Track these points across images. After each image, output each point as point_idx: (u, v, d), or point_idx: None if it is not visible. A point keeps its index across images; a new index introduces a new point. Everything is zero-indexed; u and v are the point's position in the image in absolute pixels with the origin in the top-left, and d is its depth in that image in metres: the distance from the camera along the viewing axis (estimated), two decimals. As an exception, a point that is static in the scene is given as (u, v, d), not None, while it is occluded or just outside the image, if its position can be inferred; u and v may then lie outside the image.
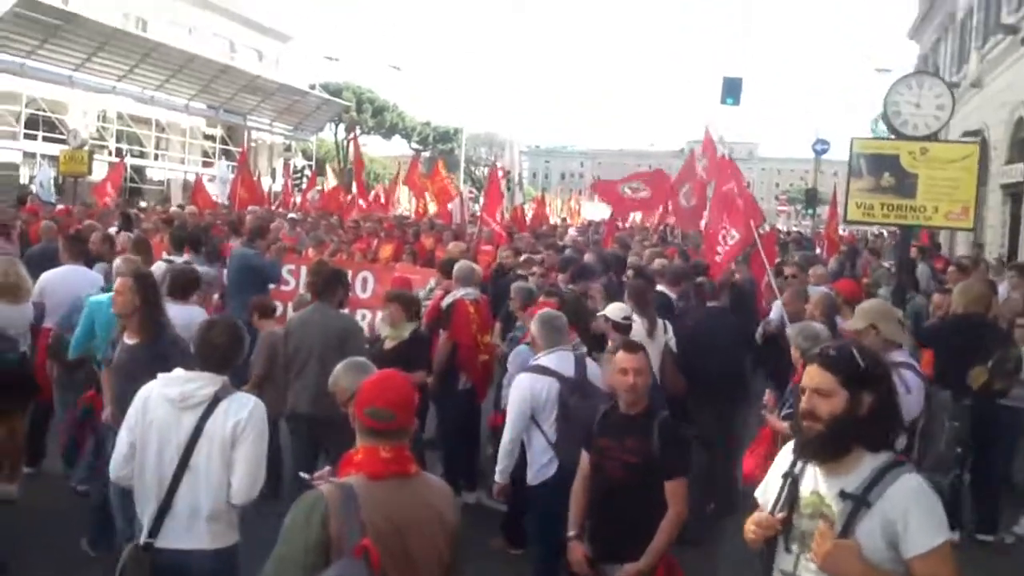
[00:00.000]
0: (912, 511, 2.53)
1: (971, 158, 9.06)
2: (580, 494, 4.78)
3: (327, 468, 3.36)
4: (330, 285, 6.82)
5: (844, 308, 7.53)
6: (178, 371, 4.16)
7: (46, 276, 7.68)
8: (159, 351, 5.33)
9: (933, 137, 9.39)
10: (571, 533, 4.71)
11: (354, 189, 24.57)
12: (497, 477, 5.65)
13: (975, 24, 25.67)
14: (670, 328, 7.47)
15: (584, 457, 4.77)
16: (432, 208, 21.95)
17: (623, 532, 4.53)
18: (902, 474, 2.62)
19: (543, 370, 5.48)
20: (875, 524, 2.58)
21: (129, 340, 5.57)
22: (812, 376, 2.81)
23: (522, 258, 10.97)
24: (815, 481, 2.82)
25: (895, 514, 2.54)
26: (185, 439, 3.95)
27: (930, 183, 8.97)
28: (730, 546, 6.56)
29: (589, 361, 5.72)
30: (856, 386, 2.74)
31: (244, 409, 4.01)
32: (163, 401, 4.03)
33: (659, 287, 8.79)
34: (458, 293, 7.79)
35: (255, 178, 25.62)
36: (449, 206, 20.69)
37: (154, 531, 3.96)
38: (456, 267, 8.24)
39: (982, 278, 10.08)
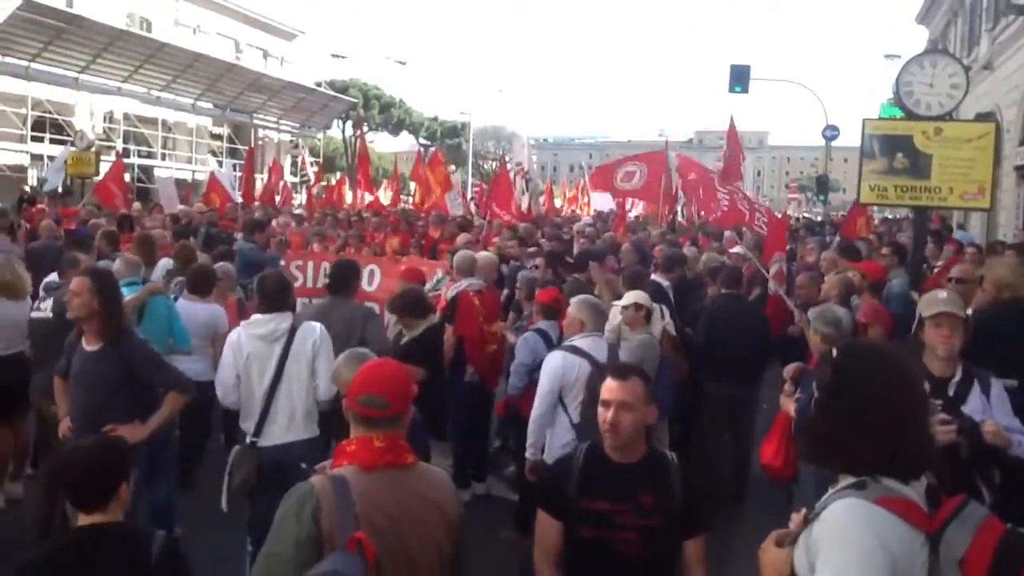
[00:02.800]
0: (825, 537, 2.22)
1: (987, 137, 8.87)
2: None
3: (329, 461, 3.24)
4: (344, 278, 6.71)
5: (867, 291, 7.37)
6: (256, 316, 5.42)
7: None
8: (123, 358, 4.99)
9: (947, 117, 9.21)
10: None
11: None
12: (528, 454, 5.67)
13: (985, 6, 25.40)
14: (667, 313, 7.41)
15: (550, 526, 3.49)
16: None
17: None
18: (841, 498, 2.26)
19: (576, 351, 5.56)
20: (806, 542, 2.30)
21: (89, 347, 5.07)
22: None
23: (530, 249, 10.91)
24: None
25: (818, 536, 2.25)
26: (277, 362, 5.22)
27: (945, 163, 8.79)
28: (744, 536, 6.45)
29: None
30: (825, 395, 2.39)
31: (316, 331, 5.41)
32: (253, 339, 5.29)
33: (653, 276, 8.71)
34: (462, 284, 7.70)
35: (264, 175, 25.66)
36: (446, 197, 20.57)
37: (257, 434, 5.16)
38: (456, 258, 8.16)
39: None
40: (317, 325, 5.51)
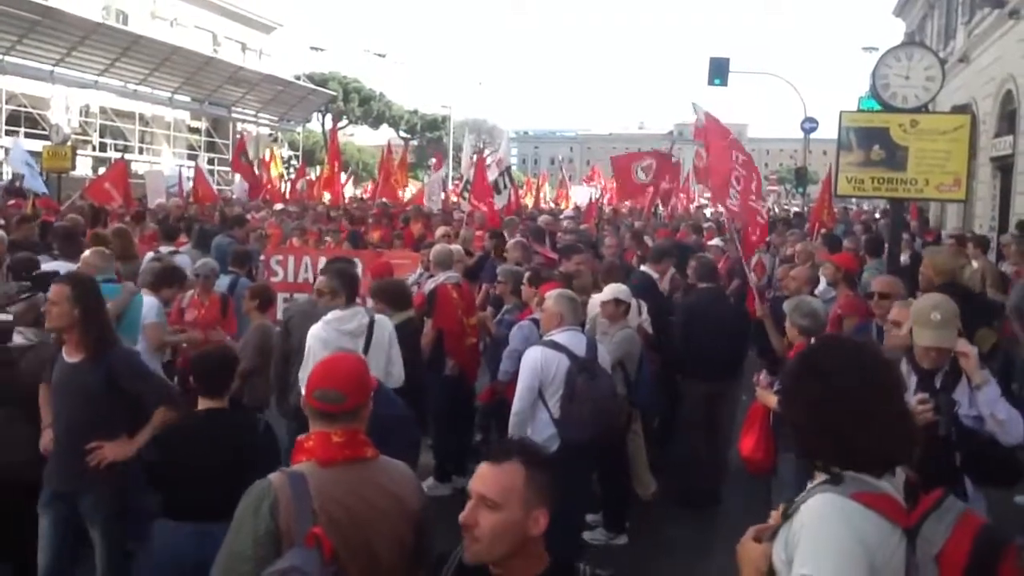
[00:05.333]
0: (802, 533, 2.20)
1: (962, 129, 8.95)
2: None
3: None
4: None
5: (843, 283, 7.39)
6: (339, 312, 5.54)
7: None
8: (106, 371, 4.60)
9: (923, 109, 9.28)
10: None
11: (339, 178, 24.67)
12: None
13: (961, -1, 25.60)
14: (644, 308, 7.40)
15: None
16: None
17: None
18: (818, 493, 2.25)
19: (555, 345, 5.55)
20: (785, 537, 2.28)
21: (70, 358, 4.67)
22: None
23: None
24: None
25: (796, 531, 2.23)
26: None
27: (921, 155, 8.86)
28: (722, 529, 6.48)
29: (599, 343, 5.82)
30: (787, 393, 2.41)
31: (388, 324, 5.81)
32: (342, 335, 5.44)
33: (642, 268, 8.72)
34: (439, 278, 7.68)
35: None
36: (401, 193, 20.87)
37: None
38: (433, 252, 8.15)
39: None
40: (386, 319, 5.93)
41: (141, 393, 4.75)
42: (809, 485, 2.35)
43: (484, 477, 2.45)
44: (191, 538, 3.98)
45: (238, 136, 39.30)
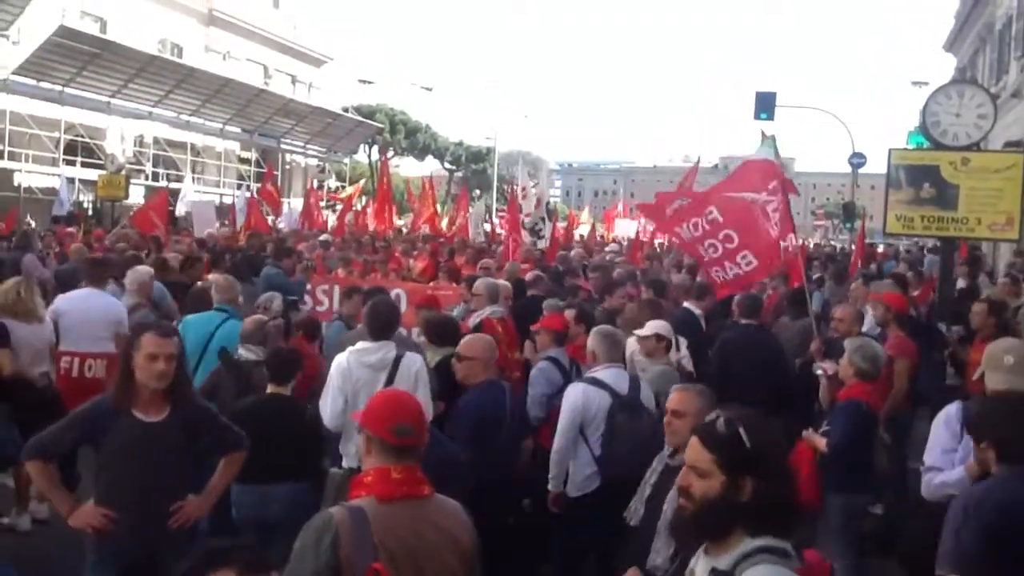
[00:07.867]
0: None
1: (1015, 168, 8.81)
2: None
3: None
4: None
5: (893, 323, 7.25)
6: (364, 344, 5.51)
7: (62, 298, 7.64)
8: (188, 424, 4.27)
9: (974, 147, 9.16)
10: None
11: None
12: (550, 485, 5.62)
13: (1014, 33, 25.24)
14: (683, 345, 7.31)
15: None
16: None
17: None
18: (756, 565, 2.25)
19: (597, 383, 5.52)
20: None
21: (150, 417, 4.15)
22: (691, 450, 2.46)
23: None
24: (699, 554, 2.50)
25: None
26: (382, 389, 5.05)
27: (972, 194, 8.74)
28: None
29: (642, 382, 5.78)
30: (736, 470, 2.36)
31: (417, 361, 5.60)
32: (362, 366, 5.40)
33: (685, 304, 8.64)
34: (484, 312, 7.67)
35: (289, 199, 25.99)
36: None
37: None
38: (477, 285, 8.12)
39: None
40: (418, 356, 5.73)
41: (215, 441, 4.53)
42: (737, 552, 2.36)
43: None
44: (254, 496, 5.01)
45: (287, 167, 40.00)
